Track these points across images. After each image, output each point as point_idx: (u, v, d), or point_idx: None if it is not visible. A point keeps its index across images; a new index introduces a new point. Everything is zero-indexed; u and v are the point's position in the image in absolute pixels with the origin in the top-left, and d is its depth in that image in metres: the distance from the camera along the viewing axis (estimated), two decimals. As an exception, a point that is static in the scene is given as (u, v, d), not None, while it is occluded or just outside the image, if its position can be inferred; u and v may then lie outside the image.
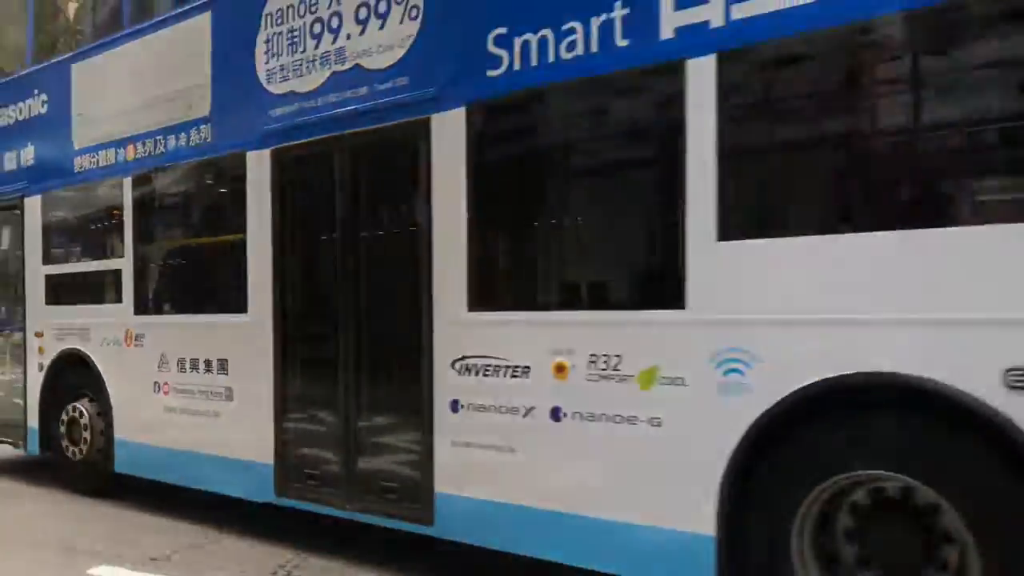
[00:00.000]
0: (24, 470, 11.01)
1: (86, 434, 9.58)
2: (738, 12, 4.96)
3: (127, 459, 9.06)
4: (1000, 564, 4.23)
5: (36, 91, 10.17)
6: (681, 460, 5.11)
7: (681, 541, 5.10)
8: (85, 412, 9.55)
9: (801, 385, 4.72)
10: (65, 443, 9.88)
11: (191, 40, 8.18)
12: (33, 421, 10.25)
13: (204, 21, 8.10)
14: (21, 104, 10.39)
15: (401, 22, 6.56)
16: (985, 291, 4.17)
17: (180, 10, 8.37)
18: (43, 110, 10.08)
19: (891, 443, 4.50)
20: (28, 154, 10.28)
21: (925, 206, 4.51)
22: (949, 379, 4.26)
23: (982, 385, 4.17)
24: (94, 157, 9.33)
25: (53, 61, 10.06)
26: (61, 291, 9.91)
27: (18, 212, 10.40)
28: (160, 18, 8.63)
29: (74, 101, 9.69)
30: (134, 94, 8.81)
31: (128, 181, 8.94)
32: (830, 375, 4.63)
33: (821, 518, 4.91)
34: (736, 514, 4.96)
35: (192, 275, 8.43)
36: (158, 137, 8.54)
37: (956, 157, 4.50)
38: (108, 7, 8.83)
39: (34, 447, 10.28)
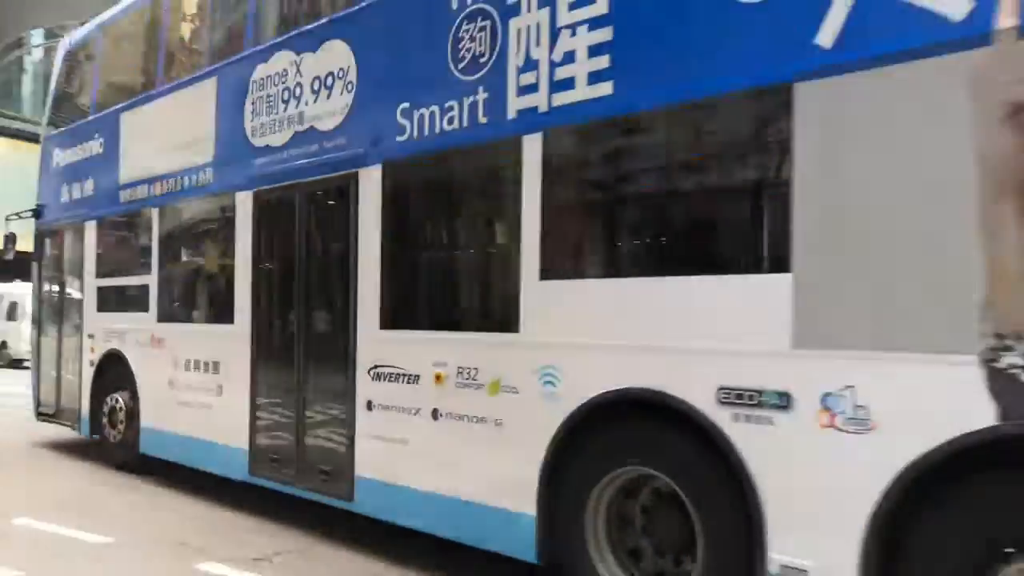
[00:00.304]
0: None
1: (121, 421, 11.34)
2: (557, 100, 6.35)
3: (149, 442, 10.79)
4: (714, 539, 5.50)
5: (96, 134, 12.00)
6: (514, 454, 6.49)
7: (513, 518, 6.48)
8: (121, 402, 11.32)
9: (591, 396, 6.06)
10: (107, 428, 11.68)
11: (203, 99, 9.85)
12: (85, 409, 12.08)
13: (212, 84, 9.76)
14: (85, 145, 12.23)
15: (341, 93, 8.09)
16: (706, 325, 5.45)
17: (196, 75, 10.09)
18: (100, 150, 11.89)
19: (642, 443, 5.84)
20: (89, 186, 12.12)
21: (669, 260, 5.84)
22: (680, 393, 5.56)
23: (701, 399, 5.47)
24: (134, 191, 11.10)
25: (108, 111, 11.88)
26: (108, 301, 11.71)
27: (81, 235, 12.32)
28: (183, 80, 10.34)
29: (122, 143, 11.47)
30: (163, 140, 10.52)
31: (155, 212, 10.68)
32: (611, 388, 5.96)
33: (618, 514, 6.18)
34: (551, 499, 6.31)
35: (197, 290, 10.11)
36: (177, 177, 10.24)
37: (692, 225, 5.83)
38: (224, 28, 10.31)
39: (86, 431, 12.11)
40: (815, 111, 4.96)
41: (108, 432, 11.74)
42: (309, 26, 8.61)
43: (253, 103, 9.12)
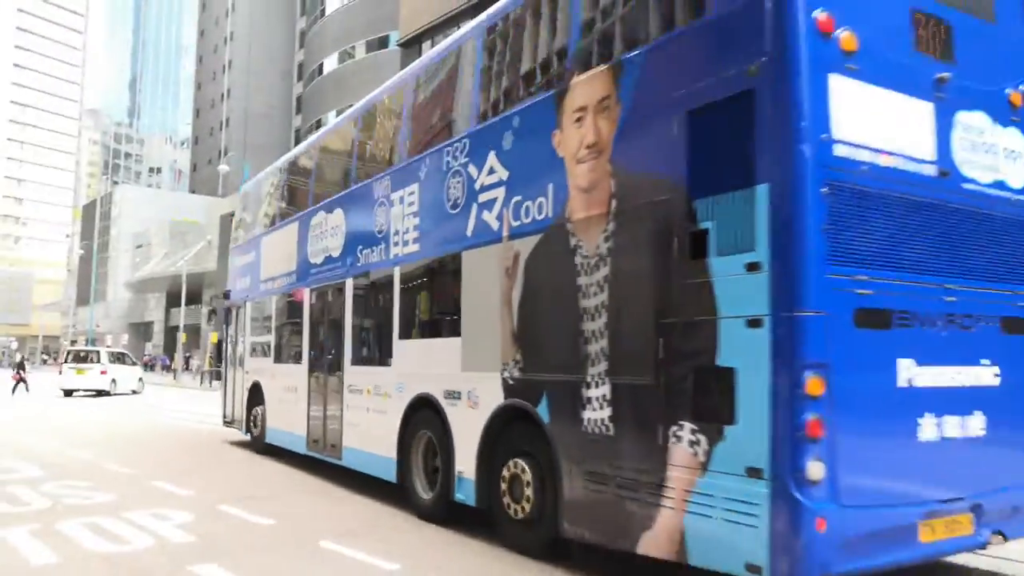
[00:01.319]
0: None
1: (257, 424, 19.00)
2: (401, 251, 13.16)
3: (270, 436, 18.32)
4: (443, 458, 11.79)
5: (251, 251, 19.73)
6: (391, 429, 13.09)
7: (389, 462, 13.09)
8: (259, 412, 19.05)
9: (413, 396, 12.64)
10: (253, 428, 19.41)
11: (291, 233, 17.26)
12: (243, 417, 19.94)
13: (294, 226, 17.18)
14: (246, 255, 20.07)
15: (336, 237, 15.19)
16: (440, 362, 11.86)
17: (288, 220, 17.61)
18: (252, 259, 19.63)
19: (425, 419, 12.34)
20: (246, 281, 19.92)
21: (431, 331, 12.48)
22: (434, 394, 12.17)
23: (439, 395, 12.05)
24: (270, 284, 18.62)
25: (254, 236, 19.62)
26: (255, 350, 19.32)
27: (238, 308, 20.13)
28: (289, 219, 17.79)
29: (262, 255, 19.09)
30: (279, 253, 17.97)
31: (274, 298, 18.19)
32: (418, 393, 12.54)
33: (423, 453, 12.63)
34: (401, 449, 12.85)
35: (290, 344, 17.41)
36: (282, 278, 17.69)
37: (440, 314, 12.44)
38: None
39: (243, 431, 19.82)
40: (469, 264, 11.42)
41: (253, 431, 19.33)
42: (326, 201, 15.92)
43: (311, 238, 16.43)
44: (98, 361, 45.16)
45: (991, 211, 8.79)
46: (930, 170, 8.33)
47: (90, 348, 47.51)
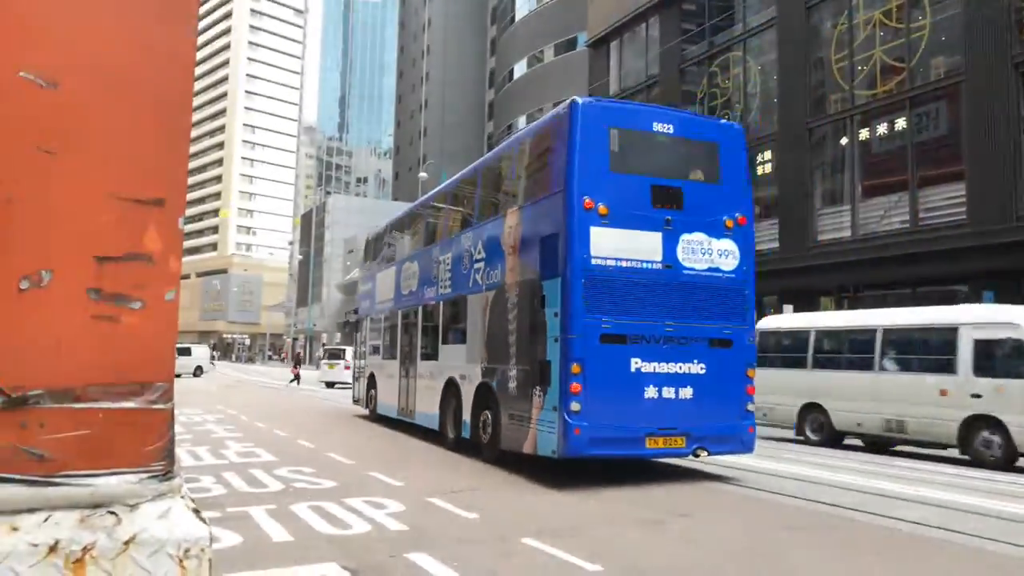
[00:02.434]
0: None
1: (371, 400, 28.95)
2: (442, 291, 22.07)
3: (379, 407, 27.95)
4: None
5: (369, 282, 29.27)
6: (436, 398, 21.80)
7: (434, 416, 21.98)
8: (373, 392, 29.03)
9: (446, 378, 21.20)
10: (368, 404, 29.54)
11: (391, 273, 26.84)
12: (363, 397, 30.12)
13: (393, 268, 26.75)
14: (366, 285, 29.86)
15: (414, 279, 24.37)
16: (456, 358, 20.48)
17: (390, 263, 27.07)
18: (370, 288, 29.46)
19: (457, 394, 21.16)
20: (367, 303, 29.83)
21: (458, 338, 21.04)
22: (456, 377, 20.71)
23: (458, 377, 20.62)
24: (379, 305, 28.08)
25: (371, 272, 29.38)
26: (372, 350, 29.16)
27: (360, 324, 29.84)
28: (391, 263, 27.16)
29: (376, 285, 28.68)
30: (385, 285, 27.43)
31: (390, 313, 27.51)
32: (449, 375, 21.04)
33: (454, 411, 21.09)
34: (441, 409, 21.55)
35: (395, 345, 26.56)
36: (386, 302, 27.19)
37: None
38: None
39: (364, 408, 30.08)
40: (470, 302, 19.99)
41: (369, 406, 29.09)
42: (411, 254, 25.28)
43: (402, 278, 25.53)
44: (343, 357, 55.27)
45: (706, 284, 16.58)
46: (657, 265, 16.26)
47: (338, 347, 57.92)
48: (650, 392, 15.94)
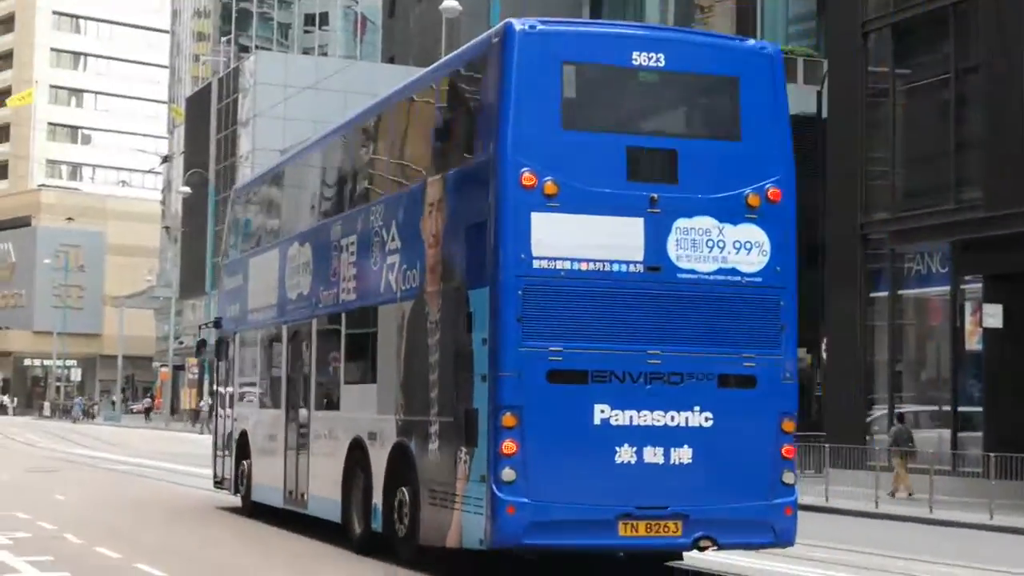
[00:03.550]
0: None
1: None
2: (246, 320, 18.38)
3: None
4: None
5: (238, 273, 22.91)
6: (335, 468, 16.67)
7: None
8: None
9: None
10: None
11: (270, 263, 20.29)
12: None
13: (275, 252, 19.79)
14: (238, 278, 23.29)
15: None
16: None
17: (267, 247, 20.76)
18: (237, 284, 22.86)
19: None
20: (232, 311, 23.38)
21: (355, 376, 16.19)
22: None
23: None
24: (257, 317, 21.87)
25: (237, 256, 22.98)
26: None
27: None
28: (266, 246, 20.73)
29: (249, 281, 22.03)
30: (267, 280, 21.51)
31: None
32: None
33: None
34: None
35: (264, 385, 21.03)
36: (263, 311, 21.25)
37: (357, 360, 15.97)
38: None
39: None
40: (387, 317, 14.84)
41: (239, 491, 22.42)
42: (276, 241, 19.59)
43: (287, 271, 19.43)
44: None
45: (715, 294, 12.01)
46: (637, 267, 11.84)
47: None
48: (624, 454, 11.71)
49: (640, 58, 12.26)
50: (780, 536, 12.17)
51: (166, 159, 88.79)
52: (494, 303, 11.58)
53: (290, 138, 64.16)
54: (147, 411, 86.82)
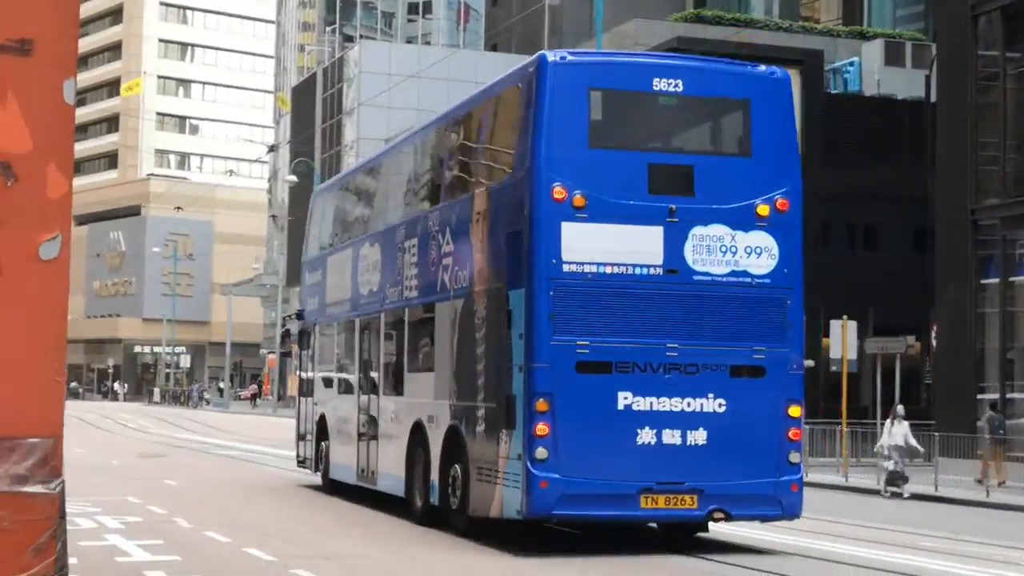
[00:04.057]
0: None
1: None
2: (324, 313, 20.09)
3: None
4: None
5: (319, 269, 23.77)
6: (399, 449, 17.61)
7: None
8: None
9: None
10: None
11: (344, 261, 21.62)
12: None
13: (349, 252, 21.37)
14: (318, 274, 24.31)
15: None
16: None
17: (343, 247, 21.83)
18: (318, 280, 23.98)
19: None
20: (313, 304, 24.33)
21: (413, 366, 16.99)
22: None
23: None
24: (334, 311, 22.93)
25: (317, 253, 24.05)
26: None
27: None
28: (343, 246, 21.92)
29: (327, 277, 23.50)
30: (343, 277, 22.52)
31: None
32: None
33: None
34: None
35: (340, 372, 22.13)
36: (339, 304, 22.30)
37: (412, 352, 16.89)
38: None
39: None
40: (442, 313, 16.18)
41: (319, 469, 23.79)
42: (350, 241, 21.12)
43: (360, 268, 20.87)
44: None
45: (728, 294, 13.77)
46: (657, 270, 13.66)
47: None
48: (645, 436, 13.47)
49: (660, 84, 14.03)
50: (787, 509, 13.86)
51: (272, 148, 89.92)
52: (529, 302, 13.32)
53: (394, 127, 65.59)
54: (253, 397, 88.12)
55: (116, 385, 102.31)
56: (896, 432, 24.91)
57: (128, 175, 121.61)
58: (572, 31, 61.53)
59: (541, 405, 13.02)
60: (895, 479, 25.02)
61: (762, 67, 15.03)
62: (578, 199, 13.28)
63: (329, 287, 22.55)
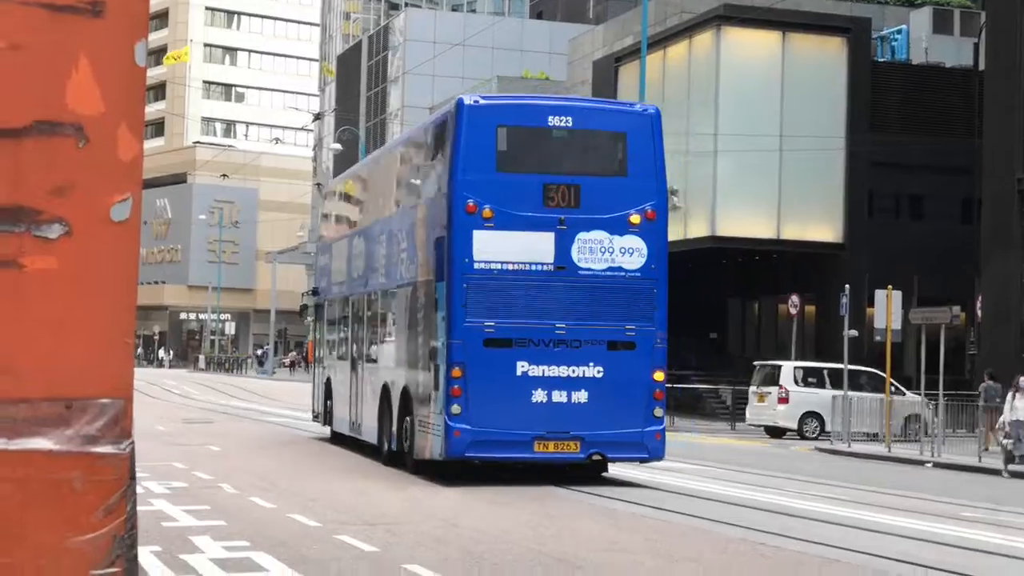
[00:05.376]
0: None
1: None
2: (330, 291, 23.42)
3: None
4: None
5: (327, 252, 24.20)
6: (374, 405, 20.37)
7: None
8: None
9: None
10: None
11: (343, 247, 24.43)
12: None
13: (346, 240, 24.15)
14: (327, 256, 26.75)
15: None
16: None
17: (344, 235, 24.42)
18: (326, 262, 26.78)
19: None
20: (324, 282, 25.29)
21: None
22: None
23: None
24: (337, 289, 24.59)
25: (327, 238, 26.18)
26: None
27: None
28: (344, 234, 24.05)
29: (332, 259, 26.38)
30: (342, 261, 25.03)
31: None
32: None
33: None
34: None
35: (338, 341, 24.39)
36: (339, 285, 25.14)
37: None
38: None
39: None
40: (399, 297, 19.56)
41: (328, 423, 26.70)
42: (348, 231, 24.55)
43: (352, 255, 23.60)
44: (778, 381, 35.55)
45: (606, 285, 17.11)
46: (549, 267, 17.10)
47: (771, 363, 36.45)
48: (538, 396, 16.89)
49: (554, 120, 17.59)
50: (652, 452, 17.40)
51: (318, 116, 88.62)
52: (448, 292, 16.96)
53: (439, 95, 65.67)
54: (293, 364, 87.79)
55: (161, 352, 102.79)
56: (1019, 406, 23.21)
57: (174, 143, 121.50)
58: (617, -2, 61.74)
59: (456, 372, 16.62)
60: (1014, 458, 23.13)
61: (638, 106, 20.65)
62: (487, 212, 16.79)
63: (332, 270, 26.74)
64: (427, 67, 69.57)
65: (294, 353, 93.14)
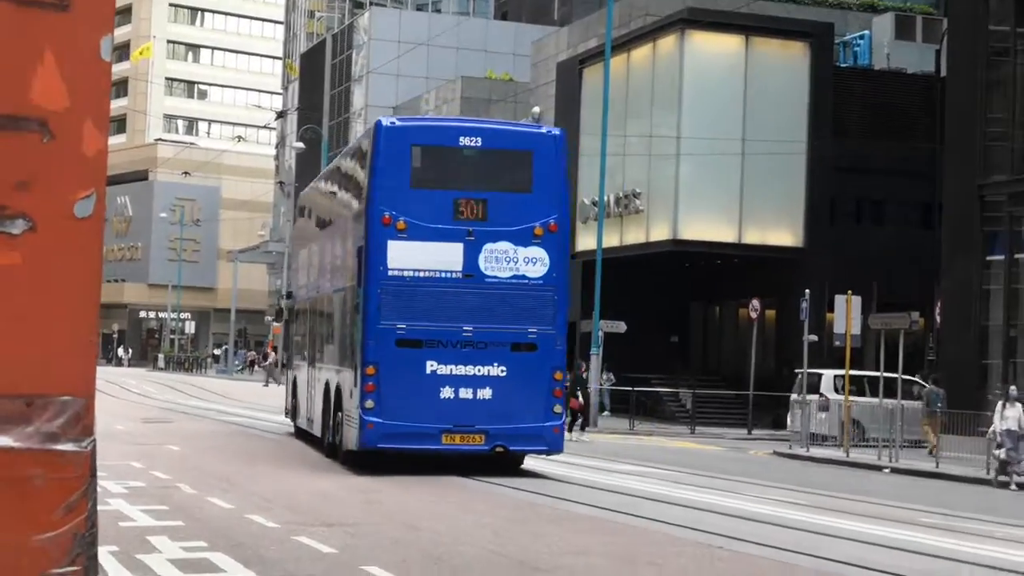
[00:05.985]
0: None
1: None
2: (298, 294, 23.31)
3: None
4: None
5: (300, 254, 24.12)
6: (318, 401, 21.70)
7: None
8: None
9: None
10: None
11: (311, 251, 24.89)
12: None
13: (315, 245, 24.55)
14: (299, 259, 26.26)
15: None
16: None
17: (312, 239, 24.58)
18: (298, 264, 27.19)
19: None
20: (296, 284, 24.82)
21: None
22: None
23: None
24: (303, 292, 23.81)
25: (300, 240, 25.24)
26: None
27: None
28: (312, 238, 23.49)
29: (301, 262, 26.97)
30: (308, 264, 26.06)
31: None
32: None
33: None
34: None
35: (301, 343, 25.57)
36: (306, 287, 25.21)
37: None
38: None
39: None
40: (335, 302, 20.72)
41: (295, 421, 27.32)
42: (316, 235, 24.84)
43: (314, 260, 24.59)
44: None
45: (510, 291, 18.29)
46: (457, 275, 18.34)
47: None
48: (446, 392, 18.15)
49: (465, 140, 19.09)
50: (551, 445, 18.78)
51: (281, 115, 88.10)
52: (365, 297, 18.39)
53: (403, 95, 65.78)
54: (251, 364, 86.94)
55: (120, 350, 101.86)
56: (1010, 415, 22.92)
57: (136, 139, 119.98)
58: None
59: (370, 370, 17.99)
60: (1006, 467, 22.94)
61: (544, 128, 22.37)
62: (400, 224, 18.06)
63: (299, 276, 28.91)
64: (391, 66, 69.24)
65: (253, 352, 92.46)
